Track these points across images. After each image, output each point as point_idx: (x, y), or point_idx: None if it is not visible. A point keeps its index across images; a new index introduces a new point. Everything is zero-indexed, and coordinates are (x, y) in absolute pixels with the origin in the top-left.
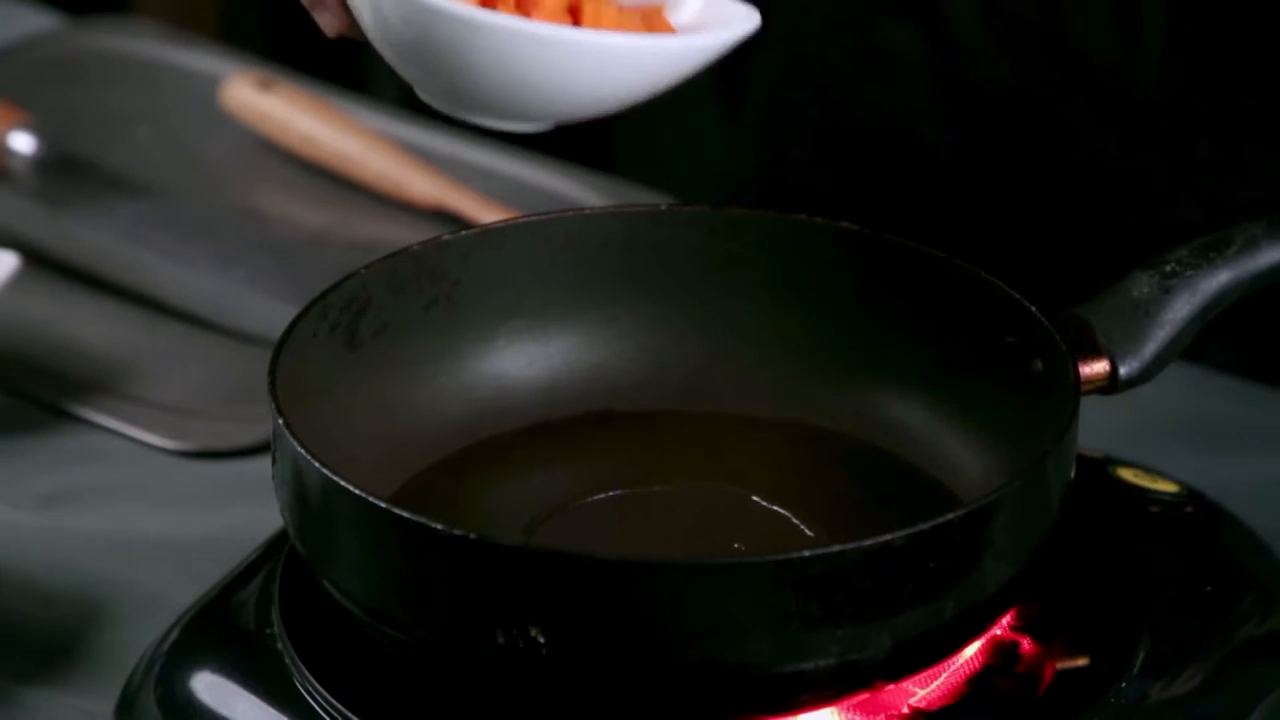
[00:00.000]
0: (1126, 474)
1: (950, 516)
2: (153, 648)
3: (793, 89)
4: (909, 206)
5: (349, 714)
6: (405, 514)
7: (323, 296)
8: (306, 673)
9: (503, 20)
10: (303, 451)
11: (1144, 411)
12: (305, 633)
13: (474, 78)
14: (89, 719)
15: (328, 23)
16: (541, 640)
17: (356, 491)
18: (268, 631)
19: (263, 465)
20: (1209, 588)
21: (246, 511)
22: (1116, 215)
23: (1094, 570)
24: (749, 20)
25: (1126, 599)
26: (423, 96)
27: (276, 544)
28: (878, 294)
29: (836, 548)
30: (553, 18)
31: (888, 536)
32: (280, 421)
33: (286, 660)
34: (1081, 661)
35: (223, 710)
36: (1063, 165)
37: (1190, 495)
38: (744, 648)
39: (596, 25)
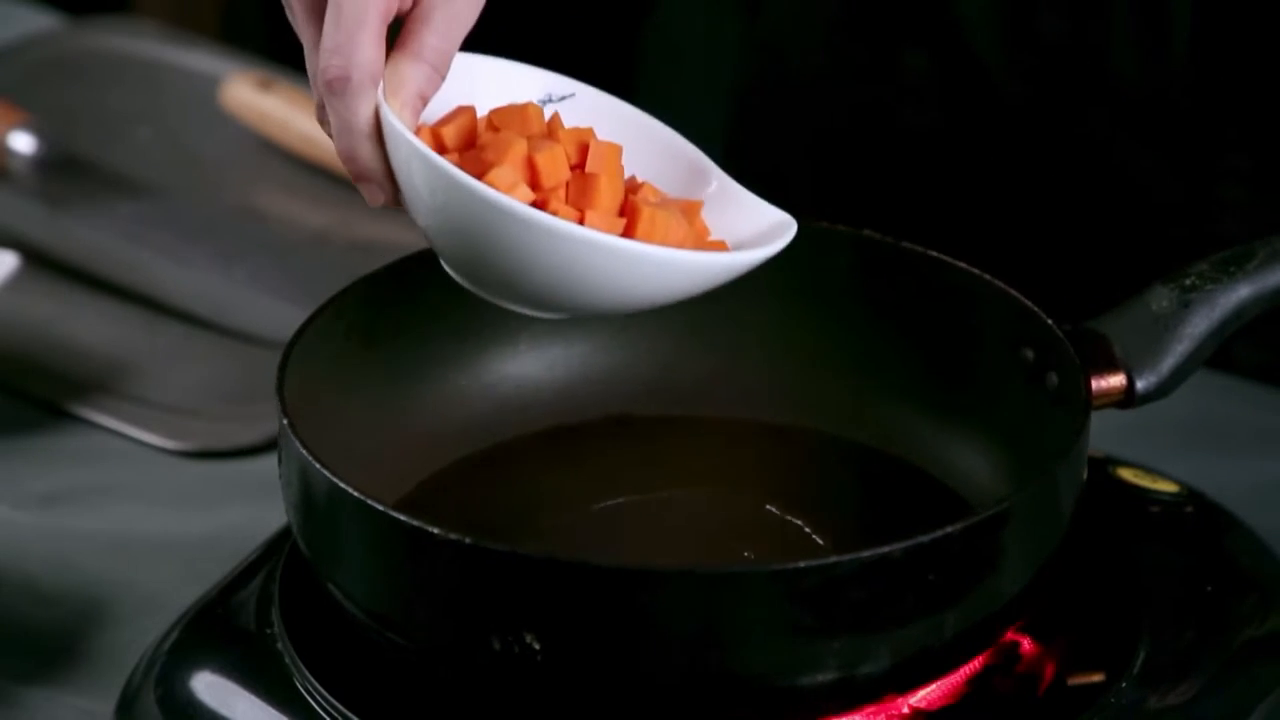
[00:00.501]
0: (1126, 474)
1: (950, 529)
2: (153, 648)
3: (808, 111)
4: (927, 220)
5: (349, 714)
6: (402, 517)
7: (338, 297)
8: (306, 673)
9: (567, 227)
10: (305, 453)
11: (1144, 411)
12: (305, 633)
13: (520, 272)
14: (89, 719)
15: (373, 195)
16: (536, 647)
17: (355, 494)
18: (268, 631)
19: (262, 465)
20: (1209, 588)
21: (246, 511)
22: (1151, 229)
23: (1094, 570)
24: (789, 230)
25: (1126, 599)
26: (451, 272)
27: (276, 544)
28: (893, 302)
29: (833, 559)
30: (607, 218)
31: (886, 548)
32: (285, 422)
33: (286, 660)
34: (1081, 662)
35: (223, 710)
36: (1090, 180)
37: (1190, 495)
38: (740, 657)
39: (650, 233)
